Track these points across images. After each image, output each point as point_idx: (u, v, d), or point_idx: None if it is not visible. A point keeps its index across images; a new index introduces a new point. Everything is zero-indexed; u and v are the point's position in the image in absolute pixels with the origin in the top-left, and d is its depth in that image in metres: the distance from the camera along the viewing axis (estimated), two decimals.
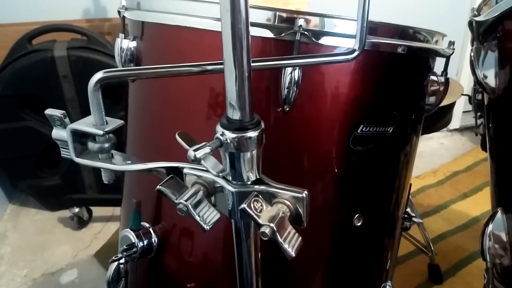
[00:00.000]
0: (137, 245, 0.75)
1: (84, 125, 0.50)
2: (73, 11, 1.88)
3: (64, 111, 0.52)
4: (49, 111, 0.52)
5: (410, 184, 0.95)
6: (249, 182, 0.47)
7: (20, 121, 1.70)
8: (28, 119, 1.70)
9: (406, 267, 1.62)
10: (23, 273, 1.63)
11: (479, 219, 1.87)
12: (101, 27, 1.85)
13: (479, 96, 0.92)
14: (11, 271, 1.64)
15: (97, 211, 1.91)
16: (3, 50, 1.64)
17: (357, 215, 0.76)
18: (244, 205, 0.44)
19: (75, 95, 1.66)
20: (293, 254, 0.43)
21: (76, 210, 1.84)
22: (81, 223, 1.86)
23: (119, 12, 0.79)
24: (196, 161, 0.41)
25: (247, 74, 0.41)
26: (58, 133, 0.53)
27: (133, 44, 0.78)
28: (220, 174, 0.46)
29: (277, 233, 0.43)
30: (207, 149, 0.42)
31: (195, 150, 0.41)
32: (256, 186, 0.47)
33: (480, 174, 2.20)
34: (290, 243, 0.44)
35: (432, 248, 1.57)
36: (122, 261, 0.86)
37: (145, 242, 0.76)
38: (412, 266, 1.62)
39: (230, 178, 0.47)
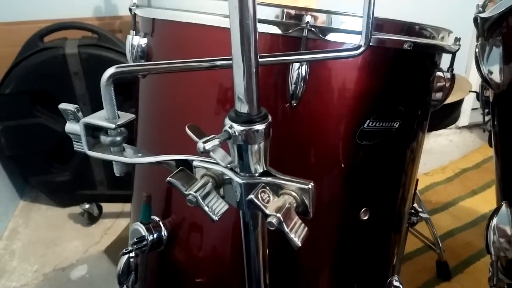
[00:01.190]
0: (147, 238, 0.76)
1: (97, 119, 0.52)
2: (84, 9, 1.90)
3: (77, 106, 0.53)
4: (63, 105, 0.53)
5: (417, 180, 0.95)
6: (256, 174, 0.48)
7: (32, 118, 1.72)
8: (40, 115, 1.73)
9: (414, 264, 1.62)
10: (34, 268, 1.65)
11: (487, 216, 1.85)
12: (112, 25, 1.87)
13: (487, 93, 0.92)
14: (22, 266, 1.66)
15: (107, 207, 1.94)
16: (15, 47, 1.67)
17: (363, 209, 0.77)
18: (251, 196, 0.45)
19: (86, 91, 1.68)
20: (299, 243, 0.45)
21: (87, 206, 1.86)
22: (91, 219, 1.88)
23: (130, 10, 0.81)
24: (205, 152, 0.43)
25: (254, 69, 0.42)
26: (71, 127, 0.54)
27: (144, 41, 0.79)
28: (228, 165, 0.47)
29: (284, 223, 0.44)
30: (216, 141, 0.43)
31: (204, 142, 0.42)
32: (264, 178, 0.48)
33: (489, 171, 2.19)
34: (297, 233, 0.45)
35: (440, 245, 1.58)
36: (132, 254, 0.87)
37: (155, 235, 0.78)
38: (420, 263, 1.63)
39: (238, 170, 0.48)
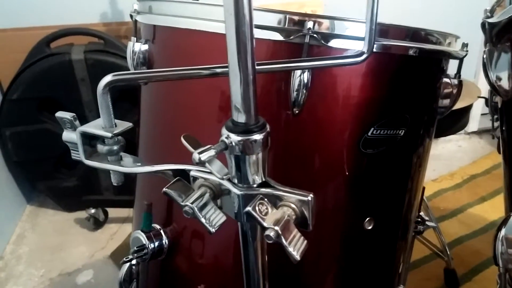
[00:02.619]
0: (148, 246, 0.76)
1: (93, 127, 0.51)
2: (91, 15, 1.90)
3: (74, 114, 0.53)
4: (59, 114, 0.53)
5: (424, 187, 0.93)
6: (254, 185, 0.47)
7: (39, 124, 1.73)
8: (47, 121, 1.73)
9: (422, 272, 1.60)
10: (41, 273, 1.65)
11: (497, 223, 1.82)
12: (118, 31, 1.87)
13: (496, 99, 0.90)
14: (29, 271, 1.66)
15: (113, 212, 1.93)
16: (22, 53, 1.67)
17: (367, 219, 0.76)
18: (249, 208, 0.44)
19: (92, 98, 1.68)
20: (298, 257, 0.43)
21: (93, 211, 1.86)
22: (97, 224, 1.88)
23: (131, 16, 0.80)
24: (201, 163, 0.42)
25: (251, 77, 0.41)
26: (68, 136, 0.54)
27: (145, 47, 0.78)
28: (224, 177, 0.46)
29: (282, 236, 0.43)
30: (212, 152, 0.42)
31: (200, 153, 0.41)
32: (262, 189, 0.47)
33: (499, 178, 2.14)
34: (295, 246, 0.44)
35: (448, 253, 1.55)
36: (134, 262, 0.86)
37: (156, 243, 0.77)
38: (428, 271, 1.60)
39: (236, 181, 0.47)
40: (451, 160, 2.39)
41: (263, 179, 0.47)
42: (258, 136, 0.43)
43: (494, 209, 1.93)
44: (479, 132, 2.64)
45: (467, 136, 2.65)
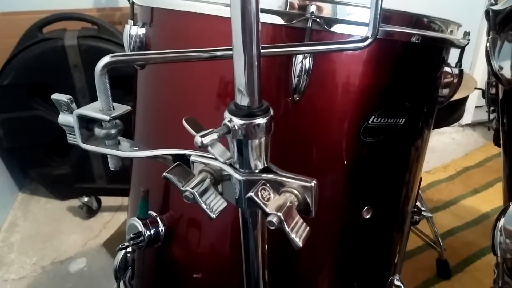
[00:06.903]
0: (144, 233, 0.75)
1: (91, 110, 0.50)
2: (84, 0, 1.88)
3: (71, 96, 0.51)
4: (55, 96, 0.51)
5: (421, 178, 0.93)
6: (256, 170, 0.46)
7: (31, 110, 1.71)
8: (39, 108, 1.71)
9: (414, 262, 1.61)
10: (33, 261, 1.64)
11: (489, 215, 1.86)
12: (112, 16, 1.85)
13: (493, 90, 0.90)
14: (21, 259, 1.65)
15: (106, 200, 1.93)
16: (14, 38, 1.65)
17: (366, 208, 0.75)
18: (251, 194, 0.43)
19: (85, 84, 1.66)
20: (300, 244, 0.43)
21: (86, 199, 1.85)
22: (90, 212, 1.88)
23: None
24: (203, 147, 0.41)
25: (256, 59, 0.40)
26: (64, 119, 0.52)
27: (142, 31, 0.77)
28: (227, 161, 0.45)
29: (285, 222, 0.42)
30: (214, 136, 0.41)
31: (202, 136, 0.40)
32: (264, 175, 0.46)
33: (492, 170, 2.17)
34: (298, 232, 0.43)
35: (441, 243, 1.57)
36: (129, 249, 0.85)
37: (152, 231, 0.76)
38: (420, 261, 1.62)
39: (237, 166, 0.46)
40: (444, 152, 2.40)
41: (266, 165, 0.46)
42: (261, 120, 0.42)
43: (487, 201, 1.95)
44: (473, 125, 2.66)
45: (461, 129, 2.66)
